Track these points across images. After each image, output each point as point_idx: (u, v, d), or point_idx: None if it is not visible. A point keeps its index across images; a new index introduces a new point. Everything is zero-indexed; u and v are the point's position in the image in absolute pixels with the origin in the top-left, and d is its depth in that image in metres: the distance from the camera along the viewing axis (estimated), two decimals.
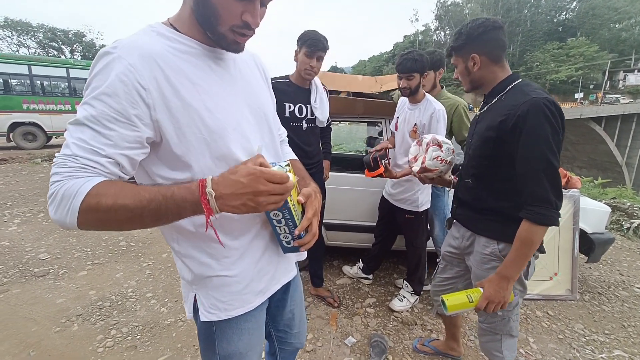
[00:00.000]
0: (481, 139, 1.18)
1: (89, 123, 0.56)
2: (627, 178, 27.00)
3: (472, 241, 1.30)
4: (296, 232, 0.73)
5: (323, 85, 1.99)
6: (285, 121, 1.78)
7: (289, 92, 1.85)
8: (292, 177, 0.68)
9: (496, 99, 1.18)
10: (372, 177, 1.92)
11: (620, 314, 2.35)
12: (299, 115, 1.87)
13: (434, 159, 1.46)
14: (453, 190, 1.48)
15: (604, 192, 5.79)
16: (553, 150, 0.99)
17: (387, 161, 1.91)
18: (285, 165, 0.71)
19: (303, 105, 1.87)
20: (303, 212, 0.75)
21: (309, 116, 1.90)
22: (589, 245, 2.52)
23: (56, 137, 11.35)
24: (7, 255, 2.98)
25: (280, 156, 0.87)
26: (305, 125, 1.89)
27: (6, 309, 2.18)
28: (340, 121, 3.22)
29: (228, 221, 0.71)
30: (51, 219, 0.57)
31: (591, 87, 44.72)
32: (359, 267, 2.67)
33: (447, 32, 58.50)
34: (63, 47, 35.06)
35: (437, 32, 60.66)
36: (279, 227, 0.74)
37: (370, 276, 2.67)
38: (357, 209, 2.62)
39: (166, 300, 2.35)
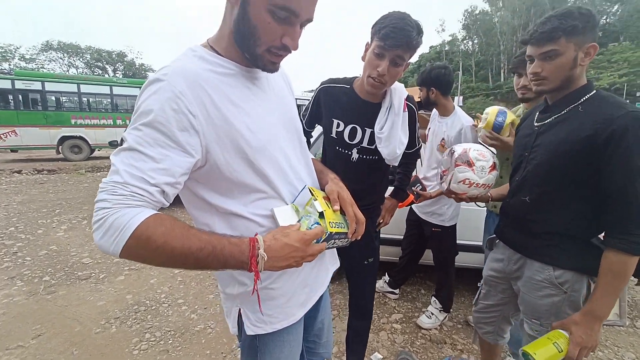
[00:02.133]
0: (554, 154, 1.03)
1: (141, 149, 0.56)
2: None
3: (522, 265, 1.18)
4: (350, 234, 0.79)
5: (408, 102, 1.29)
6: (329, 142, 1.38)
7: (345, 105, 1.30)
8: (320, 203, 0.74)
9: (568, 109, 1.04)
10: (404, 207, 1.87)
11: None
12: (348, 141, 1.31)
13: (460, 181, 1.25)
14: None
15: None
16: None
17: (418, 187, 1.82)
18: (311, 200, 0.75)
19: (359, 128, 1.28)
20: (342, 212, 0.80)
21: (364, 144, 1.30)
22: (638, 266, 2.32)
23: (99, 150, 12.24)
24: (55, 259, 3.23)
25: (311, 166, 0.89)
26: (355, 156, 1.32)
27: (55, 309, 2.35)
28: None
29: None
30: (94, 242, 0.56)
31: (638, 94, 41.61)
32: (385, 281, 2.62)
33: (475, 41, 57.30)
34: (107, 66, 38.29)
35: (465, 41, 59.63)
36: (333, 244, 0.78)
37: (397, 290, 2.61)
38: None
39: (196, 307, 2.43)
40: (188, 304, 2.48)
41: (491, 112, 1.51)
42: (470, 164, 1.22)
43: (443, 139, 1.91)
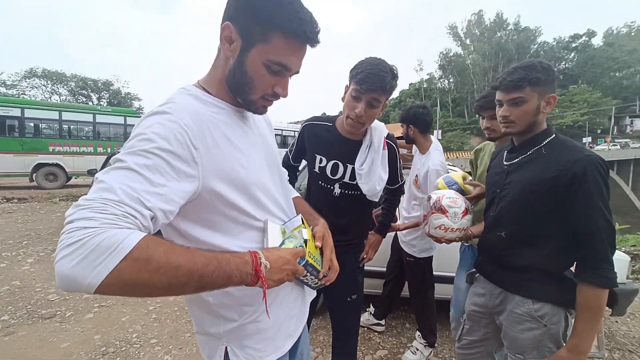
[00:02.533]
0: (524, 192, 1.11)
1: (140, 170, 0.53)
2: None
3: (503, 299, 1.20)
4: (321, 275, 0.80)
5: (388, 140, 1.36)
6: (313, 176, 1.42)
7: (327, 141, 1.35)
8: (307, 232, 0.77)
9: (533, 151, 1.13)
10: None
11: None
12: (330, 176, 1.35)
13: (436, 227, 1.31)
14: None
15: (623, 239, 5.57)
16: (609, 209, 0.98)
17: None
18: (300, 228, 0.79)
19: (340, 164, 1.33)
20: (321, 252, 0.81)
21: (345, 179, 1.34)
22: (611, 297, 2.39)
23: (75, 178, 11.84)
24: (17, 295, 3.00)
25: (290, 201, 0.92)
26: (337, 191, 1.35)
27: (12, 352, 2.15)
28: None
29: None
30: (60, 272, 0.44)
31: (598, 131, 45.12)
32: (370, 313, 2.57)
33: (451, 80, 61.36)
34: (92, 94, 38.13)
35: (441, 80, 63.72)
36: (305, 278, 0.79)
37: (383, 322, 2.56)
38: None
39: (170, 347, 2.28)
40: (162, 344, 2.32)
41: (440, 186, 1.59)
42: (443, 211, 1.29)
43: (417, 175, 2.00)
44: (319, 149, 1.38)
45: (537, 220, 1.10)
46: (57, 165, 10.42)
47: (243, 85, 0.69)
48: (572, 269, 1.10)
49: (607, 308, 2.44)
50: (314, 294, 0.96)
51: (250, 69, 0.67)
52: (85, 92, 37.85)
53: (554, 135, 1.12)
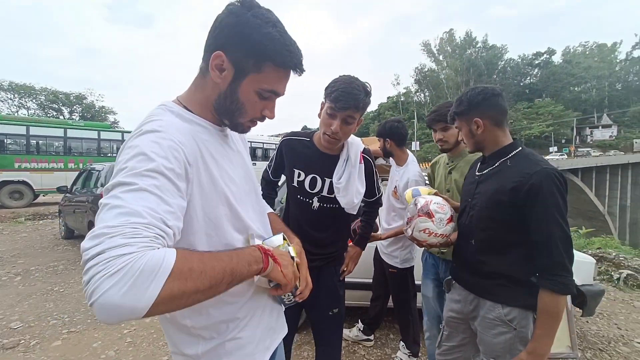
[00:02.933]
0: (490, 202, 1.18)
1: (155, 191, 0.53)
2: (612, 227, 27.57)
3: (476, 305, 1.25)
4: (298, 292, 0.82)
5: (364, 155, 1.42)
6: (291, 190, 1.45)
7: (305, 156, 1.38)
8: (293, 250, 0.82)
9: (499, 162, 1.21)
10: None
11: None
12: (309, 190, 1.38)
13: (421, 230, 1.35)
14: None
15: (589, 242, 5.90)
16: (565, 219, 1.03)
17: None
18: (285, 244, 0.83)
19: (319, 178, 1.37)
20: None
21: (324, 193, 1.37)
22: (581, 298, 2.52)
23: (43, 195, 11.21)
24: None
25: (266, 217, 0.94)
26: (316, 204, 1.38)
27: None
28: None
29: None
30: (110, 303, 0.43)
31: (563, 141, 48.12)
32: (359, 329, 2.56)
33: (427, 94, 63.88)
34: (63, 108, 36.60)
35: (417, 94, 66.21)
36: (282, 295, 0.81)
37: (372, 337, 2.56)
38: None
39: None
40: None
41: (407, 197, 1.65)
42: (430, 215, 1.33)
43: (396, 186, 2.06)
44: (297, 163, 1.40)
45: (502, 228, 1.16)
46: (24, 182, 9.85)
47: (234, 111, 0.72)
48: None
49: (577, 309, 2.58)
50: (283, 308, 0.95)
51: (242, 97, 0.70)
52: (56, 106, 36.29)
53: (520, 148, 1.21)
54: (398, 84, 70.08)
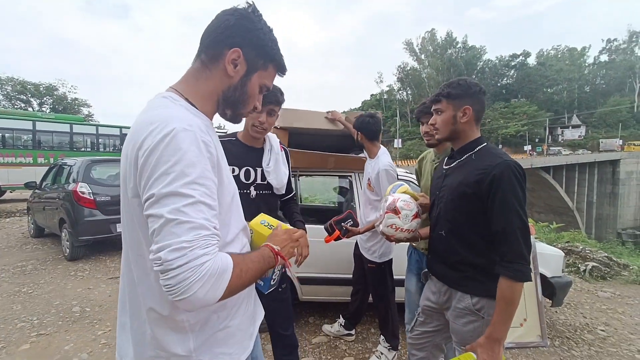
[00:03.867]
0: (455, 194, 1.22)
1: (207, 201, 0.63)
2: (580, 222, 29.19)
3: (449, 296, 1.30)
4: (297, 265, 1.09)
5: (282, 144, 1.70)
6: None
7: (235, 152, 1.56)
8: (283, 226, 0.96)
9: (465, 156, 1.25)
10: (328, 242, 1.90)
11: (589, 358, 2.42)
12: (245, 181, 1.55)
13: (388, 226, 1.42)
14: None
15: (559, 236, 6.22)
16: (524, 209, 1.07)
17: (349, 223, 1.90)
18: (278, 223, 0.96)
19: (251, 169, 1.57)
20: None
21: (258, 181, 1.58)
22: (550, 290, 2.65)
23: (11, 192, 10.59)
24: None
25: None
26: (253, 193, 1.55)
27: None
28: (311, 175, 3.36)
29: None
30: (197, 300, 0.59)
31: (536, 140, 50.27)
32: (340, 324, 2.59)
33: (409, 92, 64.86)
34: (32, 99, 34.47)
35: (400, 91, 67.18)
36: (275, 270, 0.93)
37: (353, 331, 2.59)
38: (333, 261, 2.62)
39: None
40: None
41: (387, 190, 1.70)
42: (397, 212, 1.40)
43: (369, 178, 2.10)
44: (231, 160, 1.51)
45: (467, 219, 1.21)
46: None
47: (240, 102, 0.81)
48: None
49: (547, 300, 2.72)
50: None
51: (250, 89, 0.80)
52: (24, 97, 34.14)
53: (484, 144, 1.26)
54: (381, 81, 70.95)
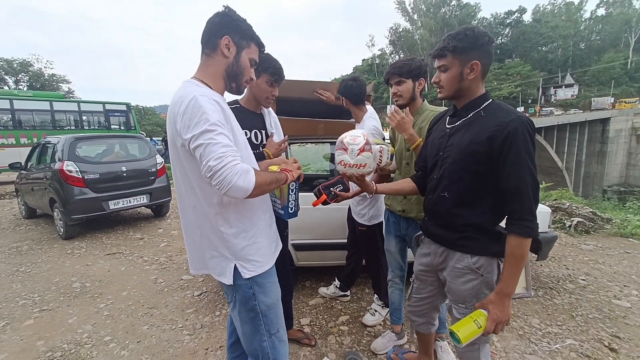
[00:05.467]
0: (464, 153, 1.17)
1: (225, 132, 0.98)
2: (568, 181, 29.90)
3: (445, 257, 1.31)
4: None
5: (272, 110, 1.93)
6: None
7: (243, 118, 1.65)
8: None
9: (473, 113, 1.19)
10: (316, 205, 1.94)
11: (569, 305, 2.57)
12: (255, 142, 1.74)
13: (338, 163, 1.43)
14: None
15: (548, 195, 6.38)
16: (535, 165, 1.06)
17: (338, 188, 1.91)
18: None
19: (258, 131, 1.76)
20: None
21: (264, 142, 1.78)
22: (536, 245, 2.74)
23: None
24: None
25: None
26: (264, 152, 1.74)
27: None
28: (305, 142, 3.30)
29: (251, 204, 1.16)
30: (237, 186, 0.92)
31: (529, 101, 49.88)
32: (336, 286, 2.68)
33: (402, 55, 62.69)
34: (6, 77, 32.56)
35: (392, 55, 64.89)
36: (292, 195, 1.25)
37: (348, 292, 2.70)
38: (327, 227, 2.67)
39: (127, 342, 2.18)
40: (117, 340, 2.21)
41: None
42: (345, 148, 1.41)
43: None
44: (241, 124, 1.61)
45: (476, 179, 1.18)
46: None
47: (238, 74, 1.15)
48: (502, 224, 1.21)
49: (533, 254, 2.83)
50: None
51: (242, 63, 1.14)
52: None
53: (491, 100, 1.20)
54: (373, 45, 68.40)
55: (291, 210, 1.26)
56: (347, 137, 1.44)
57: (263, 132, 1.79)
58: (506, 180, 1.09)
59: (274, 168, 1.20)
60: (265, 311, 1.14)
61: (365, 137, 1.42)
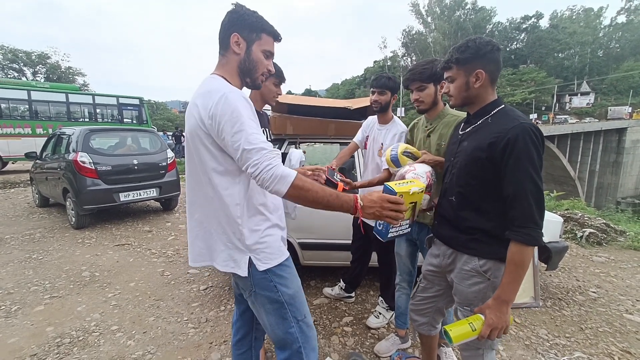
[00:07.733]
0: (469, 159, 1.20)
1: (258, 130, 1.01)
2: (580, 191, 29.28)
3: (454, 258, 1.31)
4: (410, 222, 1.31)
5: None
6: None
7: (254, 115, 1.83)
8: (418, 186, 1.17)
9: (481, 120, 1.22)
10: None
11: (579, 317, 2.52)
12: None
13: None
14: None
15: (559, 204, 6.25)
16: (538, 173, 1.05)
17: (337, 176, 1.80)
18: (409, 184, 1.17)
19: (264, 129, 1.81)
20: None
21: (269, 139, 1.86)
22: (547, 254, 2.70)
23: (13, 163, 10.62)
24: None
25: None
26: None
27: None
28: (314, 142, 3.31)
29: (272, 199, 1.19)
30: (272, 191, 0.97)
31: (543, 108, 48.94)
32: (341, 287, 2.68)
33: (413, 58, 62.18)
34: (25, 68, 33.41)
35: (404, 58, 64.40)
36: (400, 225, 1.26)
37: (353, 294, 2.69)
38: (333, 227, 2.66)
39: (133, 332, 2.22)
40: (124, 329, 2.25)
41: (387, 151, 1.71)
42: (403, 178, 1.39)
43: (382, 143, 2.05)
44: None
45: (479, 186, 1.19)
46: None
47: (252, 69, 1.14)
48: None
49: (543, 264, 2.78)
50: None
51: (254, 57, 1.13)
52: (17, 66, 33.06)
53: (502, 106, 1.20)
54: (385, 47, 68.06)
55: (392, 233, 1.25)
56: (409, 173, 1.40)
57: (268, 130, 1.95)
58: (507, 187, 1.09)
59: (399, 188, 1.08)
60: (289, 300, 1.15)
61: (429, 180, 1.40)
